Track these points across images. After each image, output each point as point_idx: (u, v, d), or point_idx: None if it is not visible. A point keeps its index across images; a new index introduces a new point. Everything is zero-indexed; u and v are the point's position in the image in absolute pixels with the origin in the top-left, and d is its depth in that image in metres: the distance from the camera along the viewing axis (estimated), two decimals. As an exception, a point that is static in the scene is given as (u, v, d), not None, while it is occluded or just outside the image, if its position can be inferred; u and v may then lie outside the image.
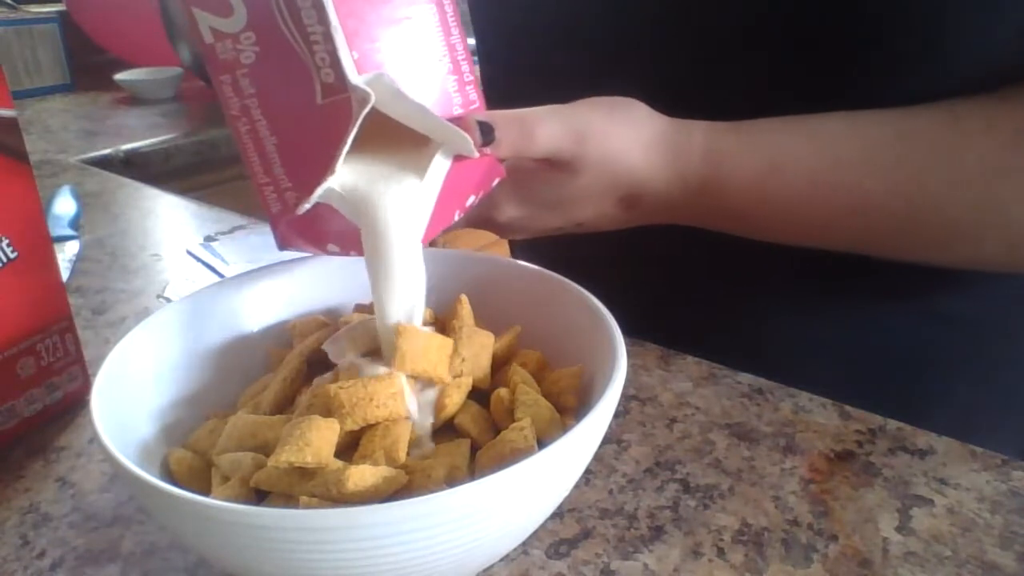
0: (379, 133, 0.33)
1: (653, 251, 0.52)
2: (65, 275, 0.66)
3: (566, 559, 0.35)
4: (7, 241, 0.41)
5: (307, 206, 0.33)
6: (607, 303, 0.36)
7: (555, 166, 0.41)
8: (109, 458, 0.28)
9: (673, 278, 0.53)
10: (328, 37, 0.31)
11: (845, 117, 0.41)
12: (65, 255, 0.70)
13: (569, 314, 0.38)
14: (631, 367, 0.48)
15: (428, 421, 0.33)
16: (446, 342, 0.35)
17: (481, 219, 0.44)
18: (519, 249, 0.68)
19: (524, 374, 0.36)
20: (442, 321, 0.40)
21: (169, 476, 0.33)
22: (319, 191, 0.32)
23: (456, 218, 0.39)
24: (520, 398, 0.34)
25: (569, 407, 0.36)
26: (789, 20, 0.43)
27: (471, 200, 0.39)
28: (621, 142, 0.41)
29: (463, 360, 0.35)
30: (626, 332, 0.34)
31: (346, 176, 0.33)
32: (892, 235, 0.42)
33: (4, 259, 0.41)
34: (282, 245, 0.37)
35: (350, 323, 0.37)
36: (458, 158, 0.36)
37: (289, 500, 0.30)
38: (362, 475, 0.28)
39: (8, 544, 0.37)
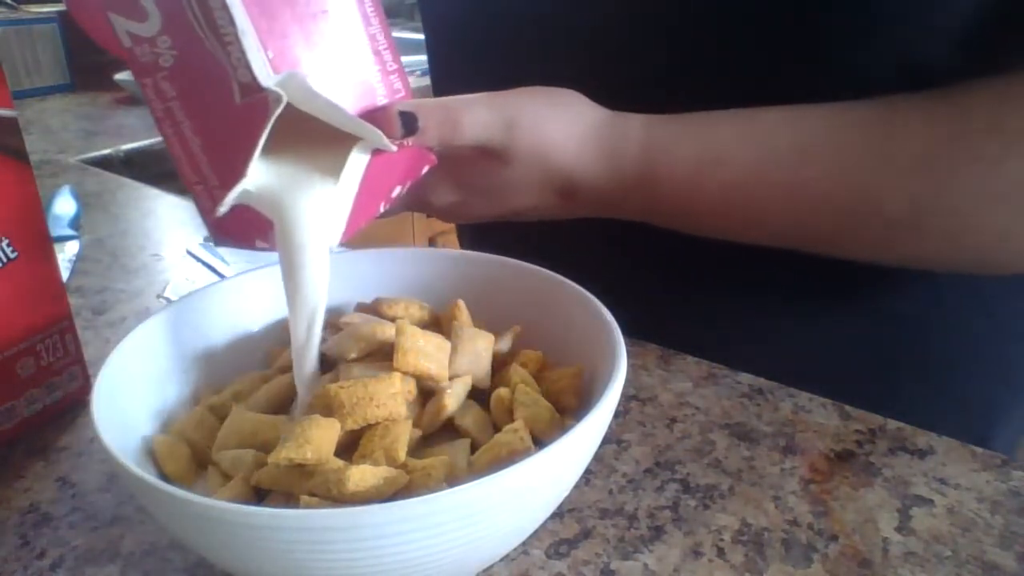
0: (302, 129, 0.33)
1: (652, 251, 0.52)
2: (65, 275, 0.66)
3: (566, 559, 0.35)
4: (7, 241, 0.41)
5: (223, 210, 0.33)
6: (607, 303, 0.36)
7: (486, 155, 0.41)
8: (109, 458, 0.28)
9: (672, 278, 0.53)
10: (238, 38, 0.31)
11: (782, 109, 0.41)
12: (65, 255, 0.70)
13: (569, 314, 0.38)
14: (631, 367, 0.48)
15: (430, 418, 0.33)
16: (445, 342, 0.35)
17: (418, 202, 0.44)
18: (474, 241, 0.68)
19: (524, 374, 0.36)
20: (439, 320, 0.40)
21: (153, 461, 0.33)
22: (232, 195, 0.32)
23: (381, 209, 0.39)
24: (520, 398, 0.34)
25: (569, 407, 0.36)
26: (733, 10, 0.43)
27: (397, 191, 0.39)
28: (554, 133, 0.40)
29: (463, 361, 0.35)
30: (626, 332, 0.34)
31: (262, 177, 0.33)
32: (830, 229, 0.42)
33: (4, 259, 0.41)
34: (217, 241, 0.38)
35: (351, 323, 0.37)
36: (378, 151, 0.36)
37: (289, 499, 0.30)
38: (362, 475, 0.28)
39: (8, 544, 0.37)
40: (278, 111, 0.31)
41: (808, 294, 0.51)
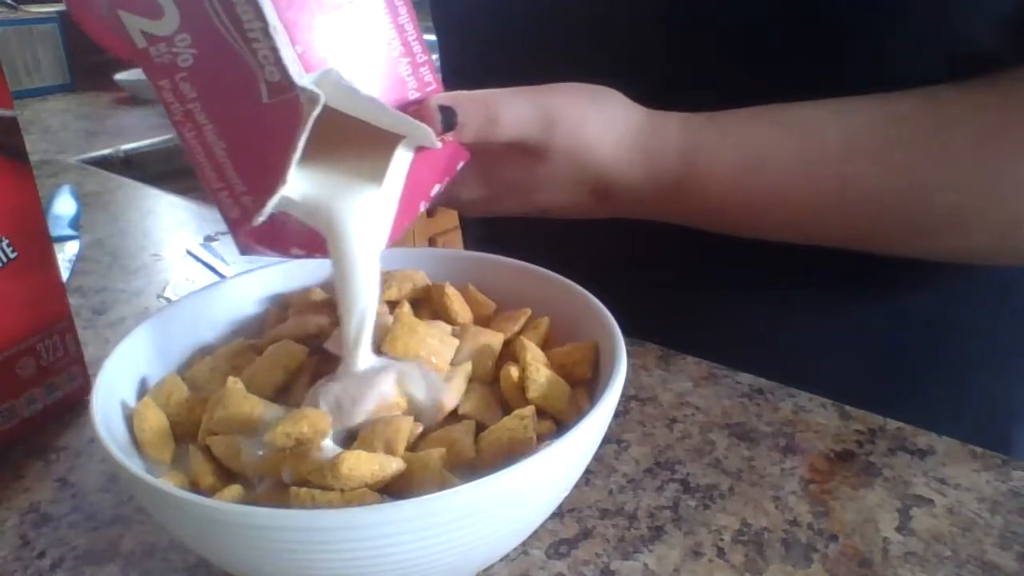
0: (334, 128, 0.31)
1: (653, 251, 0.52)
2: (65, 275, 0.66)
3: (566, 559, 0.35)
4: (7, 241, 0.41)
5: (262, 218, 0.31)
6: (607, 303, 0.36)
7: (521, 151, 0.39)
8: (109, 458, 0.28)
9: (672, 278, 0.53)
10: (267, 34, 0.29)
11: (826, 104, 0.40)
12: (65, 255, 0.70)
13: (569, 314, 0.38)
14: (631, 367, 0.48)
15: (430, 416, 0.33)
16: (450, 336, 0.35)
17: (446, 196, 0.42)
18: (477, 241, 0.67)
19: (535, 350, 0.35)
20: (429, 293, 0.39)
21: (129, 430, 0.33)
22: (272, 202, 0.31)
23: (423, 208, 0.37)
24: (531, 376, 0.33)
25: (583, 377, 0.35)
26: (771, 9, 0.42)
27: (436, 189, 0.37)
28: (592, 134, 0.39)
29: (465, 354, 0.36)
30: (626, 332, 0.34)
31: (302, 183, 0.31)
32: (880, 225, 0.41)
33: (4, 259, 0.41)
34: (243, 251, 0.35)
35: None
36: (420, 148, 0.34)
37: (282, 488, 0.29)
38: (357, 460, 0.28)
39: (8, 544, 0.37)
40: (316, 112, 0.29)
41: (816, 293, 0.50)
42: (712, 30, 0.45)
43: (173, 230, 0.79)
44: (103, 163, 1.10)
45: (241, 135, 0.32)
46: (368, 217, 0.32)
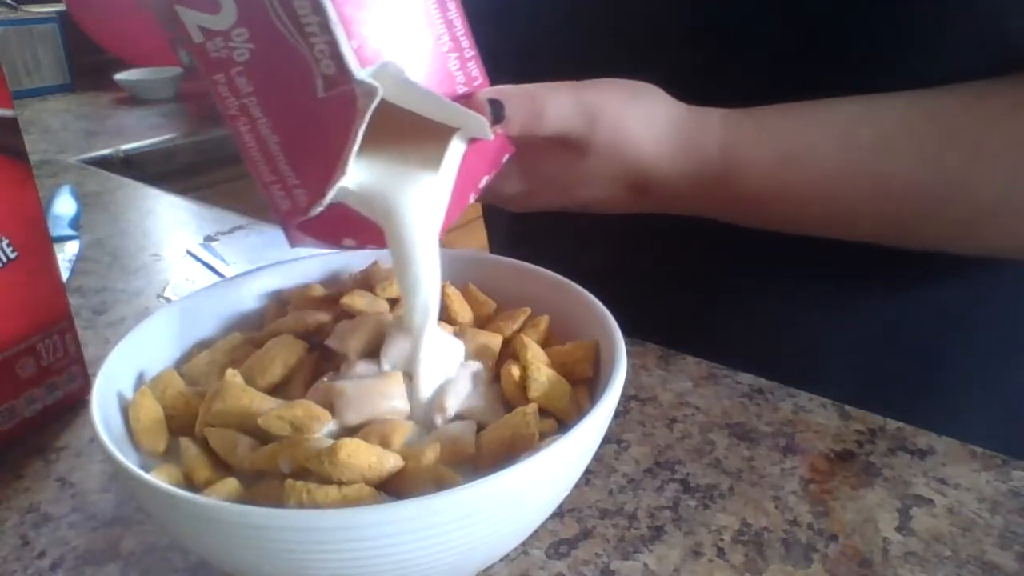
0: (386, 120, 0.31)
1: (653, 252, 0.52)
2: (65, 275, 0.66)
3: (566, 559, 0.35)
4: (7, 241, 0.41)
5: (320, 208, 0.32)
6: (607, 302, 0.36)
7: (563, 145, 0.40)
8: (109, 458, 0.28)
9: (672, 278, 0.53)
10: (326, 28, 0.30)
11: (861, 100, 0.41)
12: (65, 255, 0.70)
13: (569, 313, 0.38)
14: (631, 367, 0.48)
15: (433, 419, 0.33)
16: (453, 339, 0.35)
17: (486, 190, 0.42)
18: (502, 246, 0.68)
19: (536, 349, 0.35)
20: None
21: (124, 420, 0.33)
22: (331, 192, 0.31)
23: (471, 200, 0.38)
24: (533, 375, 0.34)
25: (585, 377, 0.35)
26: (789, 7, 0.42)
27: (484, 180, 0.38)
28: (634, 129, 0.40)
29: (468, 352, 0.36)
30: (626, 332, 0.34)
31: (359, 173, 0.32)
32: (916, 220, 0.41)
33: (4, 259, 0.41)
34: (294, 243, 0.36)
35: (351, 307, 0.37)
36: (471, 140, 0.35)
37: (278, 483, 0.29)
38: (356, 447, 0.28)
39: (8, 544, 0.37)
40: (374, 105, 0.29)
41: (816, 294, 0.50)
42: (713, 32, 0.45)
43: (173, 230, 0.79)
44: (103, 163, 1.10)
45: (295, 128, 0.32)
46: (427, 204, 0.33)
